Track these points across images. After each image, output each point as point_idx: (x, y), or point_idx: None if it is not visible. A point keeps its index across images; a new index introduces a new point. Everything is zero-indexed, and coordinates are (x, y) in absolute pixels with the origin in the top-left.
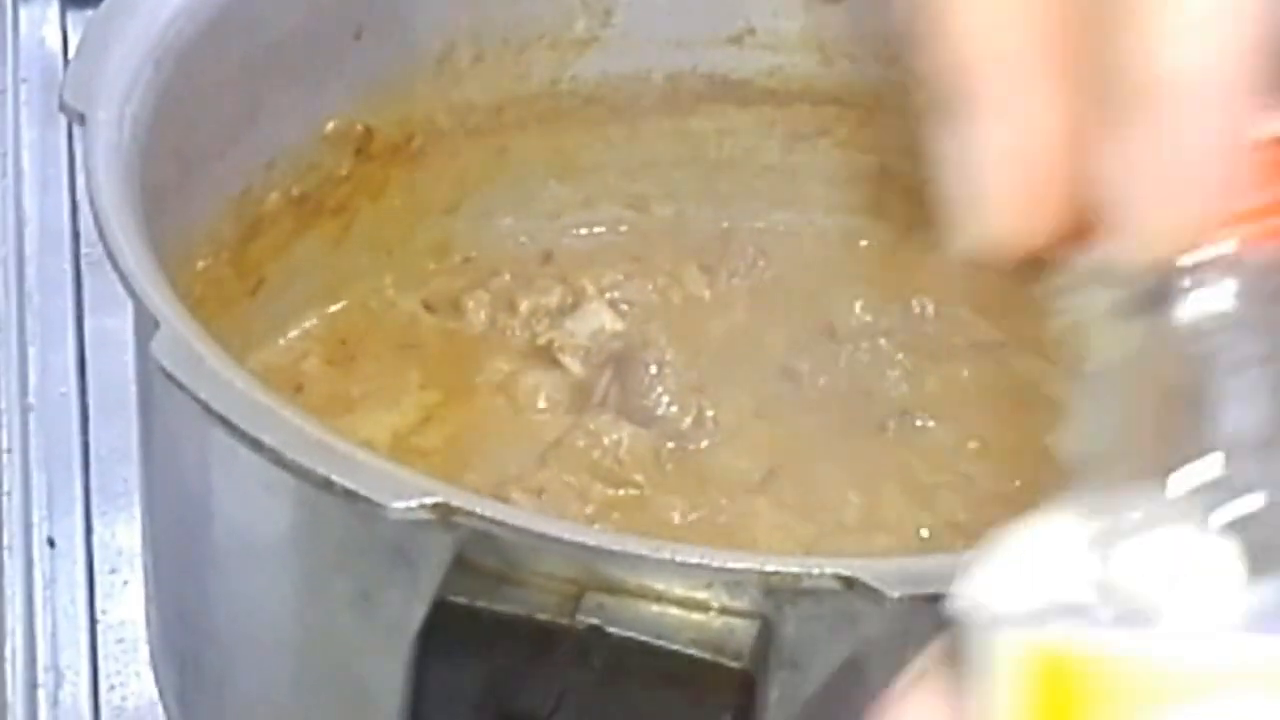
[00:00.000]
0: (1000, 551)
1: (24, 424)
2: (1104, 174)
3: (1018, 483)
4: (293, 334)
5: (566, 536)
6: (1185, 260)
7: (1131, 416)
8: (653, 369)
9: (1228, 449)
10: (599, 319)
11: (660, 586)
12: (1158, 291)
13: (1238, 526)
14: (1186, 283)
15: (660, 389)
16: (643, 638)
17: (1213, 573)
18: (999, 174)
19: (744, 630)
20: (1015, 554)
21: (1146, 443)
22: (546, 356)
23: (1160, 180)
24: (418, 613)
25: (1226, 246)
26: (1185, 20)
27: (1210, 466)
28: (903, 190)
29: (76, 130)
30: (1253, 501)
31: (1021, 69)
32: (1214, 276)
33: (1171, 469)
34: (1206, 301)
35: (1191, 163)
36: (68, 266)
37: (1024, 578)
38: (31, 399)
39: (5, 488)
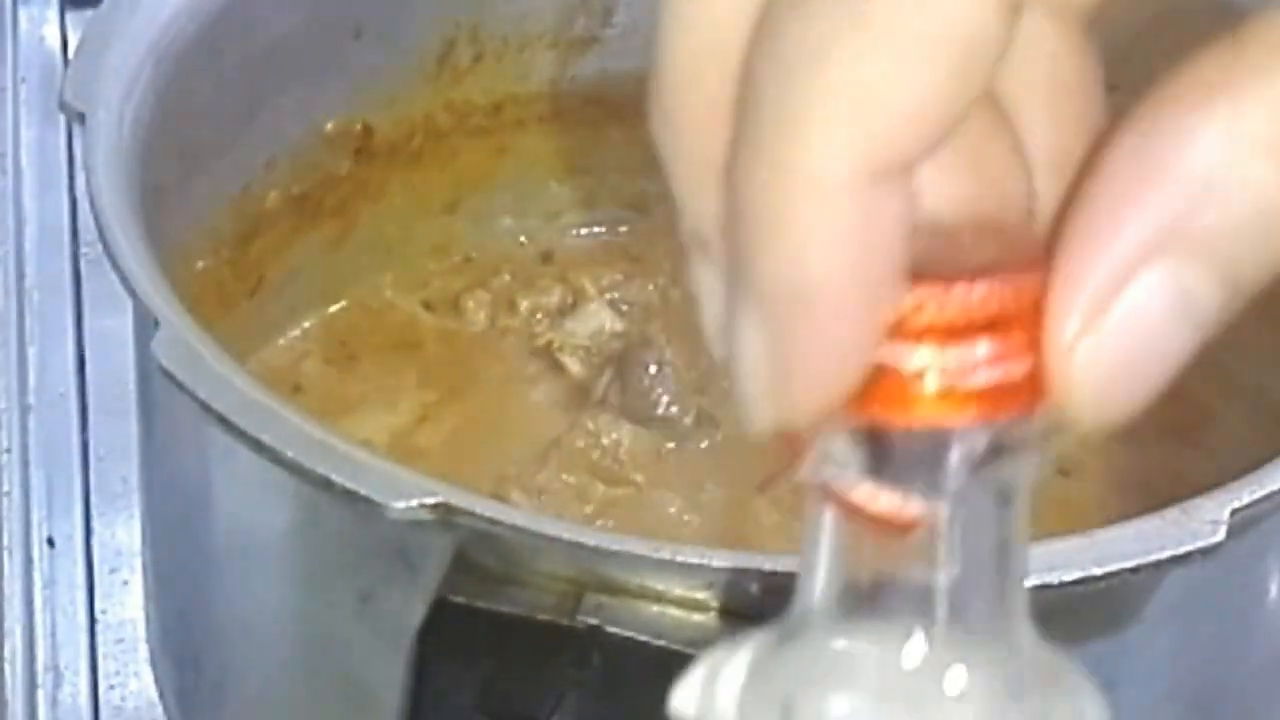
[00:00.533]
0: (706, 663)
1: (23, 423)
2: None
3: None
4: (292, 334)
5: (566, 536)
6: (917, 436)
7: (840, 581)
8: (652, 369)
9: (934, 629)
10: (599, 319)
11: (660, 587)
12: (884, 461)
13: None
14: (917, 457)
15: (660, 389)
16: (642, 638)
17: None
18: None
19: (743, 630)
20: (708, 670)
21: (853, 609)
22: (546, 356)
23: (774, 366)
24: (417, 612)
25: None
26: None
27: (911, 646)
28: None
29: (76, 129)
30: (954, 683)
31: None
32: (931, 462)
33: (861, 640)
34: (928, 476)
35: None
36: (67, 266)
37: (700, 694)
38: (31, 398)
39: (4, 487)
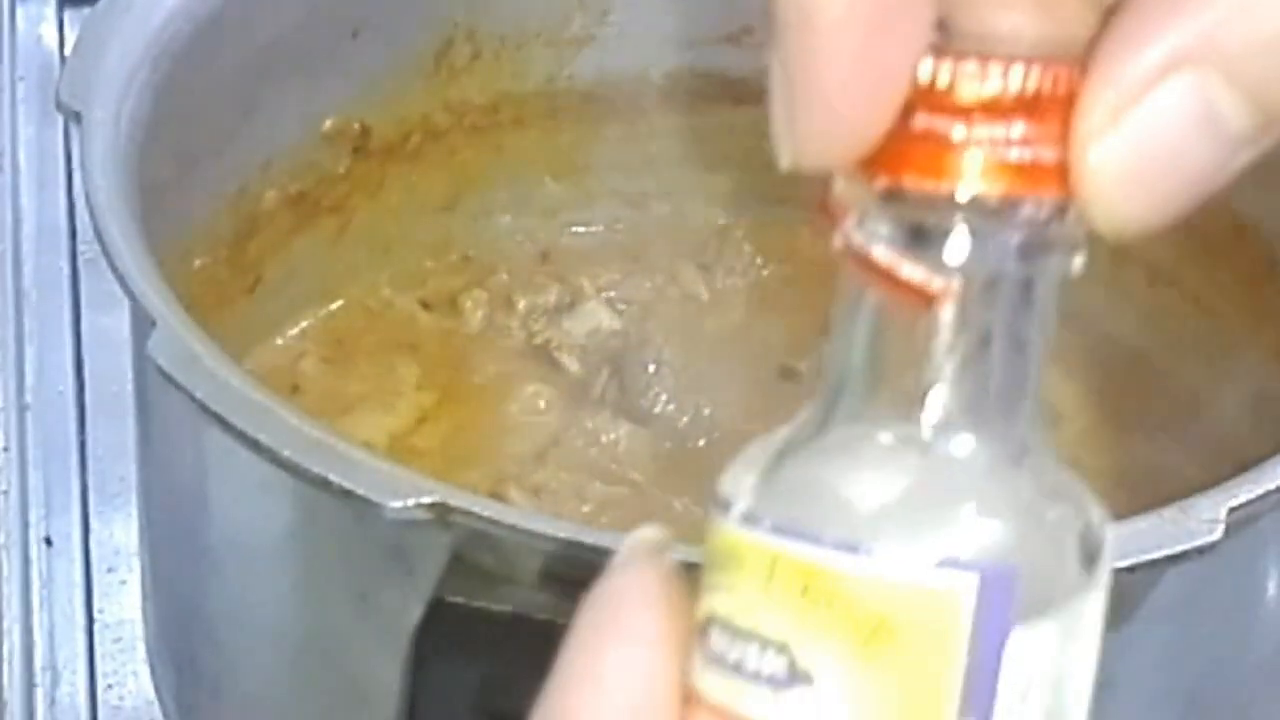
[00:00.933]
0: (744, 454)
1: (21, 423)
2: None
3: None
4: (290, 333)
5: (564, 535)
6: (947, 204)
7: (865, 351)
8: (650, 368)
9: (944, 402)
10: (596, 318)
11: None
12: (914, 233)
13: (939, 467)
14: (944, 229)
15: (658, 388)
16: None
17: (899, 510)
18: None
19: None
20: (749, 458)
21: (876, 378)
22: (544, 355)
23: (786, 96)
24: (415, 612)
25: (987, 195)
26: None
27: (925, 413)
28: None
29: (73, 129)
30: (961, 446)
31: None
32: (972, 225)
33: (890, 409)
34: (954, 251)
35: (806, 84)
36: (64, 265)
37: (741, 480)
38: (28, 398)
39: (2, 486)
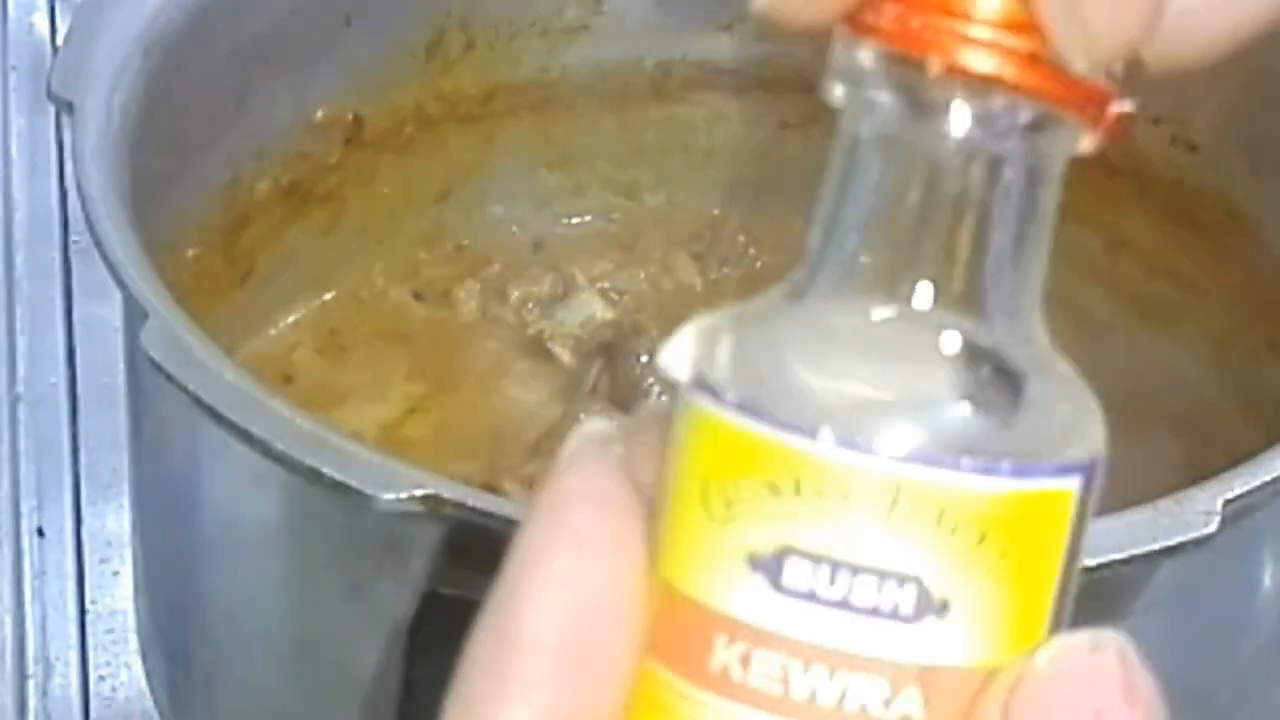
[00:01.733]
0: (698, 323)
1: (12, 413)
2: None
3: None
4: (283, 324)
5: None
6: (945, 74)
7: (861, 217)
8: (643, 358)
9: (946, 280)
10: (590, 308)
11: None
12: (916, 99)
13: (930, 354)
14: (944, 99)
15: (651, 378)
16: None
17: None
18: None
19: None
20: (714, 324)
21: (871, 246)
22: (537, 346)
23: None
24: (408, 604)
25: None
26: None
27: (923, 292)
28: None
29: (65, 118)
30: (955, 337)
31: None
32: (970, 99)
33: (890, 282)
34: (957, 122)
35: None
36: (56, 255)
37: (705, 348)
38: (20, 388)
39: None
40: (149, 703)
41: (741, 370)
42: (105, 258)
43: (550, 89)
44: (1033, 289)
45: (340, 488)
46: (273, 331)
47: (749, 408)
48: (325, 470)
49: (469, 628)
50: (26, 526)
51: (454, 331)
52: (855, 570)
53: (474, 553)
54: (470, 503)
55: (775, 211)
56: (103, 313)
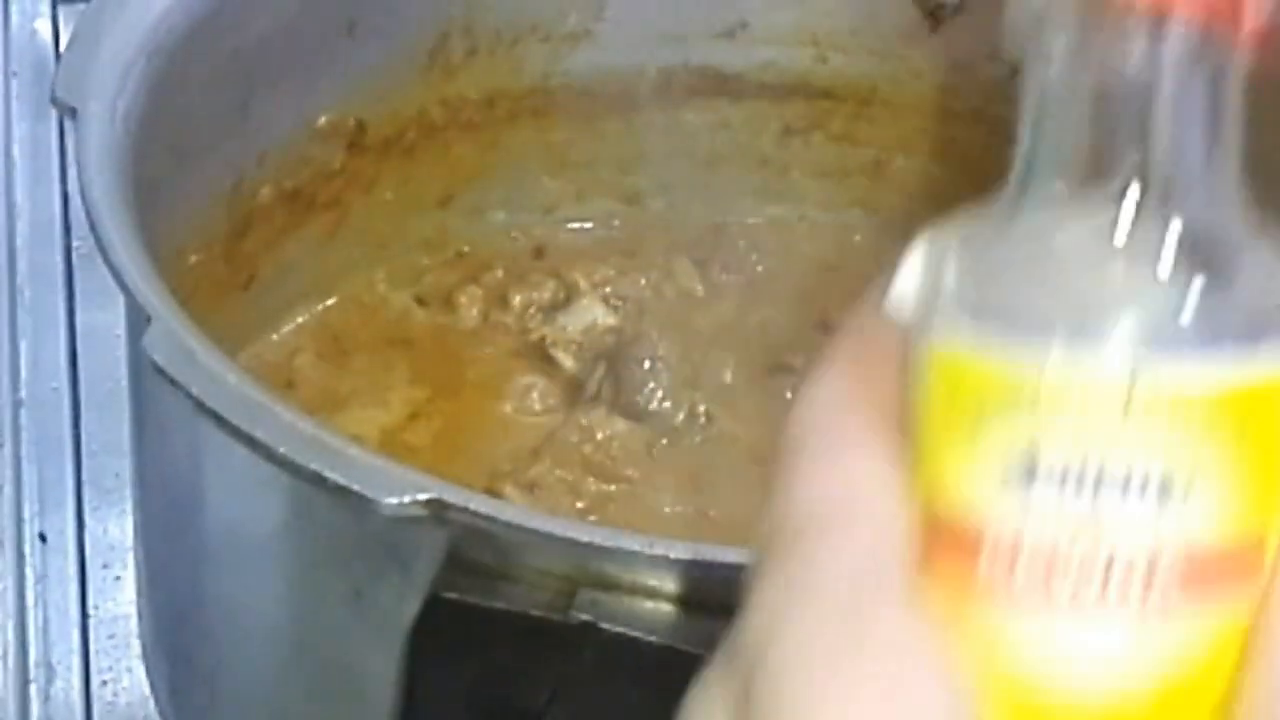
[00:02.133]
0: (931, 249)
1: (15, 418)
2: None
3: None
4: (285, 329)
5: (559, 532)
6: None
7: (1066, 132)
8: (645, 364)
9: (1152, 177)
10: (591, 314)
11: (653, 582)
12: (1112, 21)
13: (1148, 250)
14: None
15: (653, 384)
16: (636, 634)
17: (1114, 293)
18: None
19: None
20: (939, 250)
21: (1077, 158)
22: (539, 352)
23: None
24: (410, 609)
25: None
26: None
27: (1132, 192)
28: (896, 184)
29: (68, 124)
30: (1171, 230)
31: None
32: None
33: (1097, 188)
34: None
35: None
36: (59, 260)
37: (933, 274)
38: (23, 393)
39: None
40: (151, 707)
41: (973, 292)
42: (108, 263)
43: (552, 95)
44: (1234, 179)
45: (343, 492)
46: (275, 337)
47: (984, 327)
48: (328, 474)
49: (470, 630)
50: (29, 531)
51: (456, 337)
52: (1102, 467)
53: (477, 557)
54: (473, 507)
55: (777, 218)
56: (105, 318)
